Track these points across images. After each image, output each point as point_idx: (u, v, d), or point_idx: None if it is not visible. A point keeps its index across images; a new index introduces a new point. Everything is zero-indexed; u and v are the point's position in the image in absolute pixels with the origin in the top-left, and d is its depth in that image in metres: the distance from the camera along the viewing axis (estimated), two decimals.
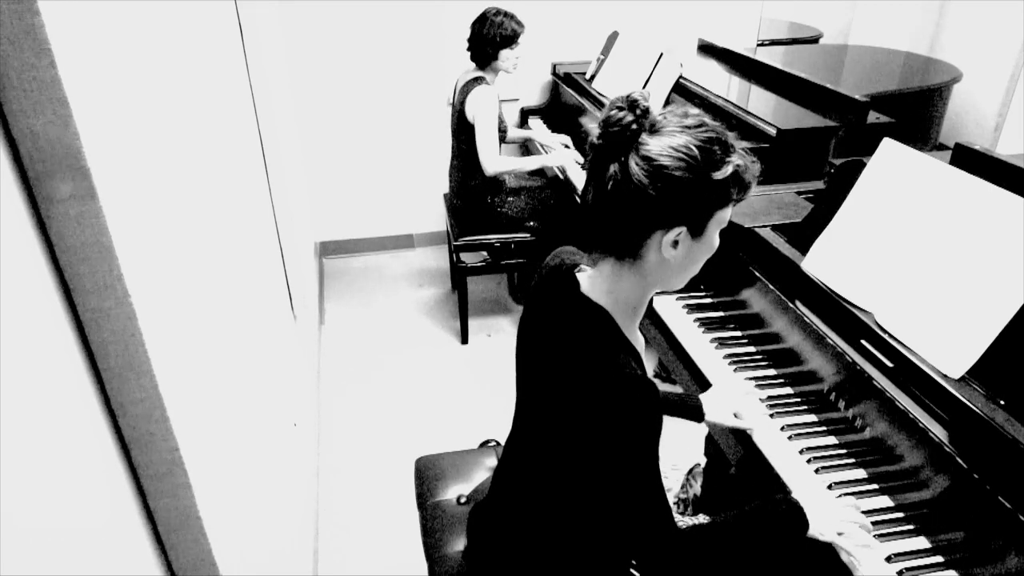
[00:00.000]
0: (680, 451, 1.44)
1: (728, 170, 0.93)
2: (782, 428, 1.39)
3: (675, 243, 0.97)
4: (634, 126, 0.93)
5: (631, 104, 0.94)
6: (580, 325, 1.03)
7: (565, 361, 1.03)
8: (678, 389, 1.56)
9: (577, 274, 1.09)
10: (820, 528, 1.12)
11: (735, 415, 1.39)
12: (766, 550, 1.15)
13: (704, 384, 1.60)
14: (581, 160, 2.98)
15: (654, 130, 0.94)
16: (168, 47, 1.03)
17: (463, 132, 2.83)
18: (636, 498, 1.01)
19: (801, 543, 1.14)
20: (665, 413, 1.38)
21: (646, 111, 0.94)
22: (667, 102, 2.71)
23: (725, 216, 0.99)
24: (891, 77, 3.19)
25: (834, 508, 1.15)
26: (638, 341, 1.09)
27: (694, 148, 0.91)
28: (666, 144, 0.92)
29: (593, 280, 1.06)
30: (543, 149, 3.18)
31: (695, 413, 1.40)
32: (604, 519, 1.12)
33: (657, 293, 1.27)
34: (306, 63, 3.28)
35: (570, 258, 1.14)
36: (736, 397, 1.41)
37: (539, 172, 3.43)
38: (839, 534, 1.12)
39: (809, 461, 1.31)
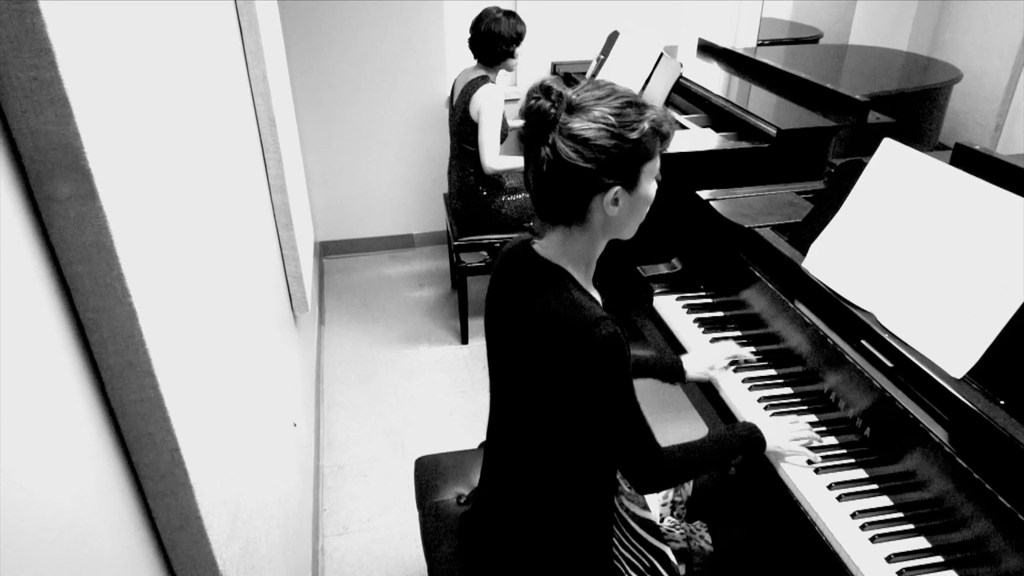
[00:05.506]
0: None
1: (645, 127, 1.03)
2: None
3: (615, 201, 1.06)
4: (552, 110, 1.02)
5: (545, 91, 1.04)
6: (540, 281, 1.12)
7: (531, 315, 1.11)
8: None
9: (532, 245, 1.18)
10: (776, 442, 1.32)
11: (711, 368, 1.56)
12: (731, 462, 1.39)
13: (704, 383, 1.60)
14: None
15: (572, 109, 1.03)
16: (168, 47, 1.03)
17: (465, 131, 2.83)
18: (623, 423, 1.11)
19: (761, 456, 1.35)
20: (645, 375, 1.52)
21: (560, 95, 1.03)
22: (667, 102, 2.71)
23: (655, 166, 1.09)
24: (891, 77, 3.19)
25: (783, 426, 1.36)
26: (595, 293, 1.18)
27: (610, 116, 1.01)
28: (585, 118, 1.01)
29: (546, 246, 1.15)
30: None
31: (677, 374, 1.55)
32: (590, 464, 1.20)
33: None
34: (306, 63, 3.27)
35: (526, 235, 1.22)
36: (713, 359, 1.57)
37: None
38: (788, 448, 1.32)
39: (809, 461, 1.31)
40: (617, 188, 1.04)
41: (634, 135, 1.02)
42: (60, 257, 0.69)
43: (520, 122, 3.29)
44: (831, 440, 1.37)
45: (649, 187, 1.10)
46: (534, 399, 1.15)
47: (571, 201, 1.07)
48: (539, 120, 1.03)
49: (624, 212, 1.08)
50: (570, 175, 1.03)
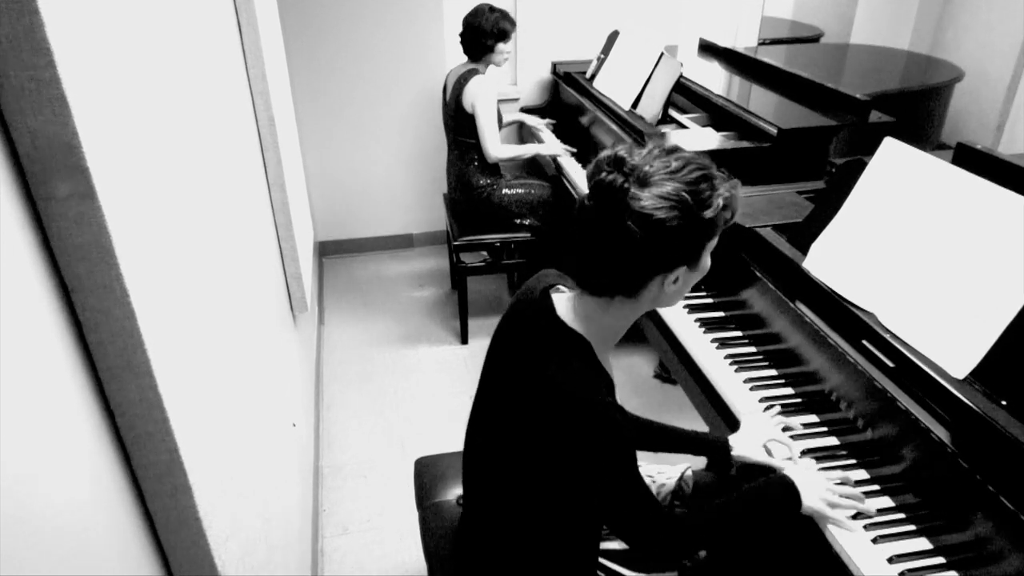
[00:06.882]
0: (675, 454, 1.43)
1: (719, 203, 0.97)
2: (784, 429, 1.39)
3: (676, 280, 1.02)
4: (625, 185, 0.95)
5: (618, 163, 0.97)
6: (557, 352, 1.05)
7: (540, 388, 1.04)
8: (704, 428, 1.53)
9: (553, 295, 1.11)
10: (811, 503, 1.17)
11: (766, 451, 1.35)
12: (763, 528, 1.19)
13: (705, 384, 1.59)
14: (573, 149, 3.07)
15: (643, 182, 0.95)
16: (167, 47, 1.03)
17: (461, 124, 2.87)
18: (620, 499, 1.05)
19: (796, 519, 1.18)
20: (689, 452, 1.40)
21: (633, 168, 0.96)
22: (668, 101, 2.71)
23: (715, 240, 1.03)
24: (892, 76, 3.19)
25: (822, 482, 1.20)
26: (609, 365, 1.12)
27: (685, 194, 0.95)
28: (656, 195, 0.94)
29: (572, 305, 1.08)
30: (535, 137, 3.30)
31: (722, 452, 1.37)
32: (585, 526, 1.15)
33: None
34: (305, 62, 3.27)
35: (550, 280, 1.15)
36: (766, 432, 1.37)
37: (538, 168, 3.45)
38: (831, 506, 1.18)
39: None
40: (683, 268, 1.01)
41: (708, 214, 0.96)
42: (59, 257, 0.68)
43: (518, 116, 3.36)
44: (833, 440, 1.37)
45: (707, 261, 1.05)
46: (517, 453, 1.11)
47: (630, 278, 1.01)
48: (610, 195, 0.96)
49: (678, 288, 1.04)
50: (635, 254, 0.97)
